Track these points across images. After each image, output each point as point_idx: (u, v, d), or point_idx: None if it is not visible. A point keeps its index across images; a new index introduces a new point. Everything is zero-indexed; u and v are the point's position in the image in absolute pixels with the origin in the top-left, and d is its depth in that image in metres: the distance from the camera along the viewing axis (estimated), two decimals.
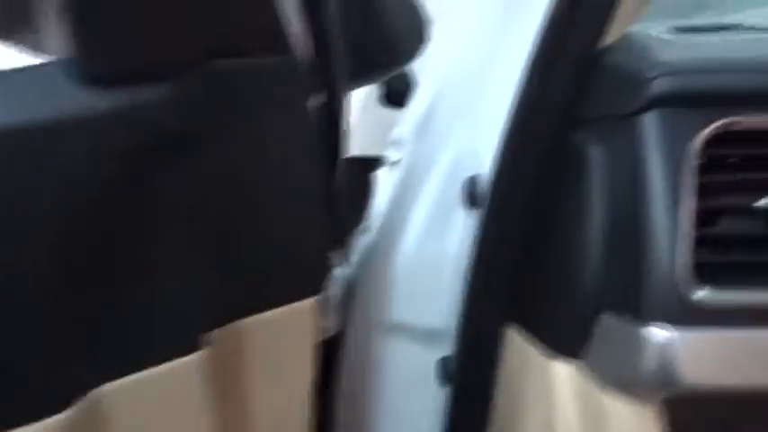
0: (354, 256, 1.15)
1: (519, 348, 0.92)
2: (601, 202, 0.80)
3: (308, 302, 0.85)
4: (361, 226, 1.13)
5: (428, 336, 1.06)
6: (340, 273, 1.18)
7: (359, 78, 0.91)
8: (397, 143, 1.08)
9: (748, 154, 0.76)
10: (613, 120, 0.80)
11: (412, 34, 0.93)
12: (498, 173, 0.89)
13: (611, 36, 0.85)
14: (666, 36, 0.89)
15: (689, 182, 0.75)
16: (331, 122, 0.84)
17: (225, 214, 0.75)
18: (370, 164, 1.11)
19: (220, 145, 0.74)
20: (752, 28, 0.93)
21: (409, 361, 1.09)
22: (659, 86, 0.77)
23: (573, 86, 0.83)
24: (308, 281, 0.86)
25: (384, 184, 1.10)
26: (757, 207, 0.75)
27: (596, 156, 0.81)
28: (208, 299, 0.74)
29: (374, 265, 1.10)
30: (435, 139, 1.04)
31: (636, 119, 0.78)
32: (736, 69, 0.78)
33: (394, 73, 0.95)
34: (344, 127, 0.86)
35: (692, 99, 0.77)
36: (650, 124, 0.77)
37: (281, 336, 0.84)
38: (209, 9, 0.70)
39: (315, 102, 0.82)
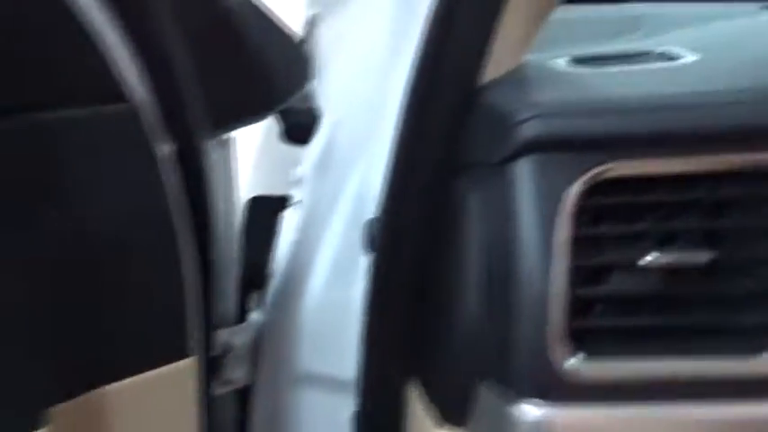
0: (265, 302, 1.08)
1: (418, 407, 0.84)
2: (477, 257, 0.72)
3: (183, 363, 0.80)
4: (270, 270, 1.07)
5: (340, 387, 0.99)
6: (253, 319, 1.12)
7: (233, 120, 0.85)
8: (298, 182, 1.01)
9: (634, 202, 0.68)
10: (488, 167, 0.72)
11: (292, 72, 0.87)
12: (383, 220, 0.81)
13: (501, 68, 0.77)
14: (561, 68, 0.81)
15: (563, 236, 0.67)
16: (190, 169, 0.78)
17: (64, 279, 0.70)
18: (276, 204, 1.04)
19: (49, 204, 0.68)
20: (662, 55, 0.84)
21: (323, 414, 1.03)
22: (530, 130, 0.68)
23: (449, 129, 0.75)
24: (178, 341, 0.80)
25: (288, 225, 1.03)
26: (644, 264, 0.67)
27: (474, 206, 0.73)
28: (52, 370, 0.69)
29: (282, 312, 1.04)
30: (335, 178, 0.97)
31: (508, 166, 0.69)
32: (617, 110, 0.69)
33: (274, 112, 0.88)
34: (208, 171, 0.80)
35: (568, 143, 0.68)
36: (522, 172, 0.68)
37: (153, 401, 0.78)
38: (14, 59, 0.64)
39: (167, 150, 0.75)
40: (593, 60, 0.85)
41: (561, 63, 0.84)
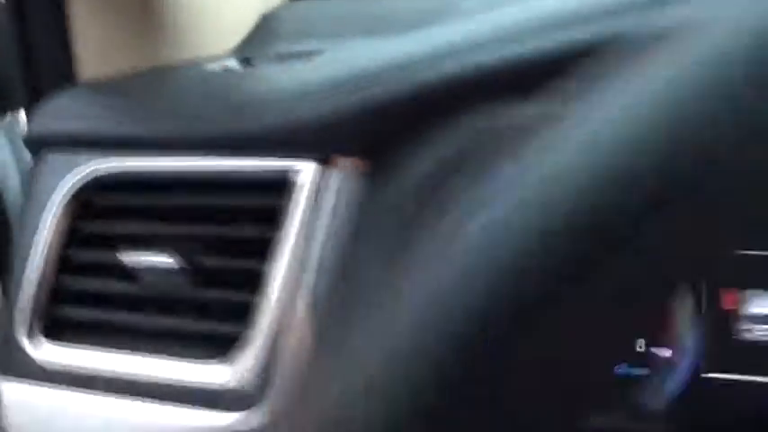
0: None
1: None
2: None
3: None
4: None
5: None
6: None
7: None
8: None
9: (120, 204, 0.71)
10: None
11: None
12: None
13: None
14: (206, 69, 0.82)
15: (49, 228, 0.71)
16: None
17: None
18: None
19: None
20: (310, 53, 0.83)
21: None
22: (36, 127, 0.74)
23: None
24: None
25: None
26: (122, 264, 0.70)
27: None
28: None
29: None
30: None
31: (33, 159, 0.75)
32: (109, 115, 0.72)
33: None
34: None
35: (65, 142, 0.72)
36: (36, 166, 0.74)
37: None
38: None
39: None
40: (266, 59, 0.86)
41: (228, 63, 0.86)
